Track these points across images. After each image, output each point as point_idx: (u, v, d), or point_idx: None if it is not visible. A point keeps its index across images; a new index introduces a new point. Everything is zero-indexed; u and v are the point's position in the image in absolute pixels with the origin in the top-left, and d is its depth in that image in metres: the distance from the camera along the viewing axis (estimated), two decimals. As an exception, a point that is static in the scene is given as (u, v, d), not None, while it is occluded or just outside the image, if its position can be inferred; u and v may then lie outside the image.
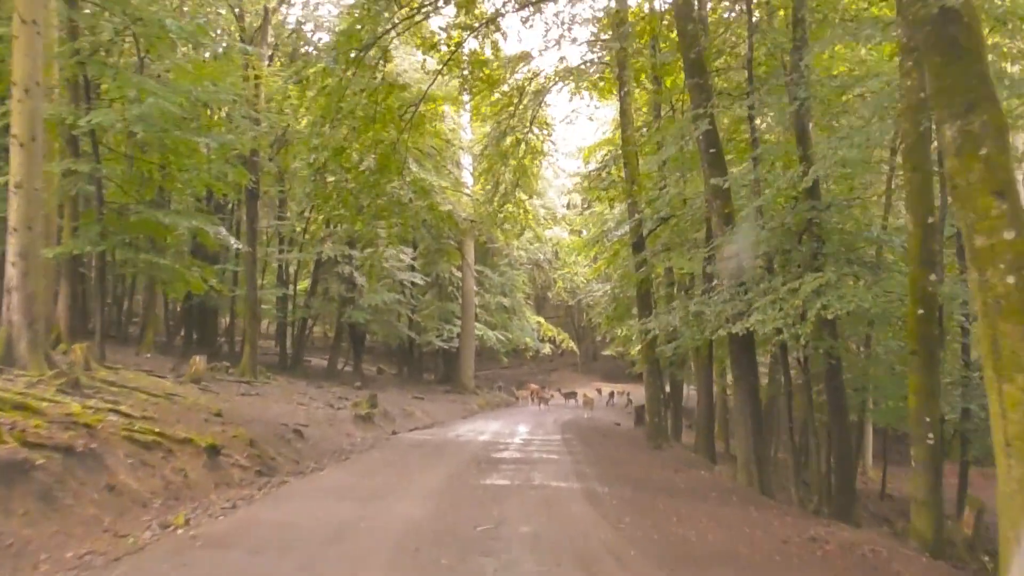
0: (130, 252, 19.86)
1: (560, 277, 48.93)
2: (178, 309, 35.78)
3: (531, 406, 38.42)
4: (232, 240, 22.00)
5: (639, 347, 40.30)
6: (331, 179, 17.66)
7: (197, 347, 33.31)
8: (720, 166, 14.71)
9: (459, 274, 40.59)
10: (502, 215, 26.42)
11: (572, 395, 38.94)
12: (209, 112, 22.09)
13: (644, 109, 25.65)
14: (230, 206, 33.11)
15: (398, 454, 16.41)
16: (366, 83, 15.70)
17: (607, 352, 53.90)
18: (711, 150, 14.59)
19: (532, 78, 23.50)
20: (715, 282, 15.25)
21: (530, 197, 27.53)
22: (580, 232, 42.80)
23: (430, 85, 18.61)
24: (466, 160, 37.09)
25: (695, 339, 15.62)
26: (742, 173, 14.49)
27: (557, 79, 23.34)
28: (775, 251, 13.74)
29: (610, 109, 37.04)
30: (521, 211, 26.19)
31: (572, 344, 50.45)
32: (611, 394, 42.26)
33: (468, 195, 34.89)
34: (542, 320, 49.94)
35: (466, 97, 24.88)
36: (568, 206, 48.48)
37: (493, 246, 41.65)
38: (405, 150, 18.53)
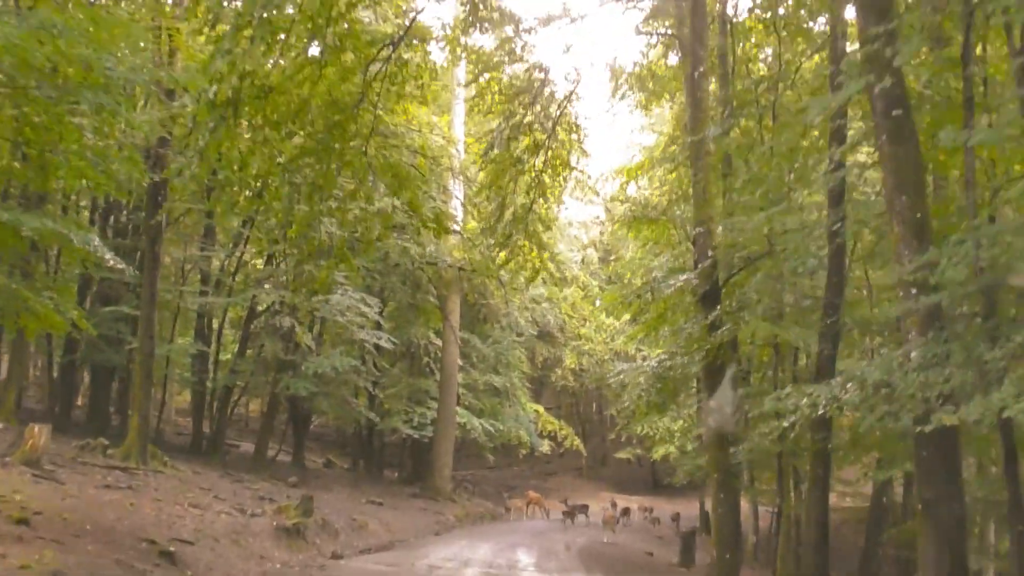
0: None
1: (574, 350, 43.60)
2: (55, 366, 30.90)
3: (526, 521, 33.73)
4: (108, 255, 16.94)
5: (662, 448, 35.87)
6: (247, 136, 12.72)
7: (88, 418, 29.46)
8: (909, 138, 10.18)
9: (438, 341, 35.54)
10: (505, 251, 21.67)
11: (583, 509, 33.55)
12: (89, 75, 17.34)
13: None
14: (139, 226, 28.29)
15: (333, 604, 11.62)
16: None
17: (620, 455, 48.88)
18: (895, 111, 10.07)
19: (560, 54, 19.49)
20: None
21: (548, 229, 22.68)
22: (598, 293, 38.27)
23: (418, 14, 14.09)
24: (457, 189, 32.42)
25: (887, 428, 10.71)
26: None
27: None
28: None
29: (650, 135, 33.26)
30: (535, 247, 21.37)
31: (578, 442, 45.17)
32: (625, 511, 36.28)
33: (457, 231, 30.05)
34: (540, 409, 44.66)
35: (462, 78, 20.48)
36: (583, 262, 43.91)
37: (486, 304, 36.64)
38: (373, 119, 13.82)
